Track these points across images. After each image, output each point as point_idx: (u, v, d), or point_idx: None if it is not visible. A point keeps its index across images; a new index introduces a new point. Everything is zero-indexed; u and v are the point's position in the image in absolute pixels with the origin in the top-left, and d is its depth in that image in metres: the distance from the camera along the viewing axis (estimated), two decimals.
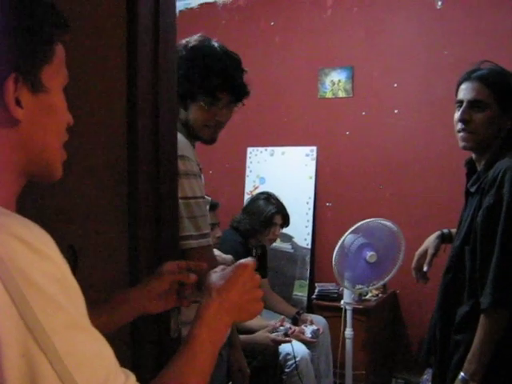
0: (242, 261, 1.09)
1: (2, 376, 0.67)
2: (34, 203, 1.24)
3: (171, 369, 0.91)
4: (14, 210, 0.84)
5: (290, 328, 3.29)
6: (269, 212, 3.64)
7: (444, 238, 2.27)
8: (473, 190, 1.96)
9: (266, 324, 3.23)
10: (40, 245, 0.74)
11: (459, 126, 2.00)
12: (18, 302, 0.69)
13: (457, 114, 2.01)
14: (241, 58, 1.94)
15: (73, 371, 0.71)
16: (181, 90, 1.76)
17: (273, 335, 3.13)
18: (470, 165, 2.09)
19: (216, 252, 2.07)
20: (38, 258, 0.72)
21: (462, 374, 1.84)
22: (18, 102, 0.80)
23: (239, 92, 1.91)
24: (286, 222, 3.76)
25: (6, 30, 0.78)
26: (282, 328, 3.21)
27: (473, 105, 1.97)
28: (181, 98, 1.81)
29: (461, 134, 2.00)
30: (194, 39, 1.90)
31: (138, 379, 0.82)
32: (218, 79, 1.84)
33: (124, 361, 1.43)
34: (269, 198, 3.75)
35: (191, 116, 1.88)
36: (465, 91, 2.01)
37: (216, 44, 1.90)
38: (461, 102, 2.01)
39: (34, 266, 0.71)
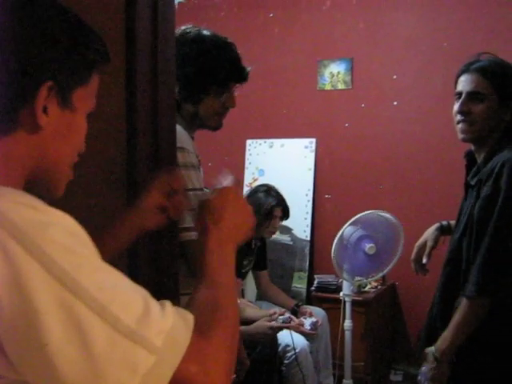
0: (223, 187, 1.14)
1: (43, 330, 0.70)
2: None
3: (196, 297, 0.93)
4: None
5: (290, 317, 3.30)
6: (269, 204, 3.63)
7: (443, 230, 2.28)
8: (473, 182, 1.96)
9: (264, 314, 3.24)
10: (44, 206, 0.78)
11: (458, 117, 2.00)
12: (41, 259, 0.71)
13: (456, 106, 2.01)
14: (232, 41, 1.97)
15: (111, 307, 0.74)
16: (192, 85, 1.83)
17: (271, 323, 3.14)
18: (470, 157, 2.09)
19: None
20: (48, 217, 0.76)
21: (432, 348, 1.90)
22: (44, 110, 0.83)
23: (243, 76, 1.96)
24: (285, 214, 3.76)
25: (56, 40, 0.84)
26: (280, 317, 3.22)
27: (472, 96, 1.97)
28: (191, 95, 1.86)
29: (460, 125, 2.00)
30: (187, 33, 1.90)
31: None
32: (226, 70, 1.88)
33: None
34: (269, 190, 3.74)
35: (202, 108, 1.90)
36: (464, 83, 2.00)
37: (210, 33, 1.93)
38: (460, 94, 2.01)
39: (46, 225, 0.75)
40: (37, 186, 0.90)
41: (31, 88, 0.82)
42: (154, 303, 0.80)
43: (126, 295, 0.78)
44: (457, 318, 1.86)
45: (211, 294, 0.94)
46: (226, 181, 1.15)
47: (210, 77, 1.87)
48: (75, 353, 0.71)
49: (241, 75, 1.94)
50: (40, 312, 0.70)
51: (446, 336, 1.88)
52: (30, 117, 0.83)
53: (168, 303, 0.83)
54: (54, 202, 0.81)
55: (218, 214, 1.07)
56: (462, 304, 1.85)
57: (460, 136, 2.01)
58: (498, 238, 1.81)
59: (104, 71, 0.95)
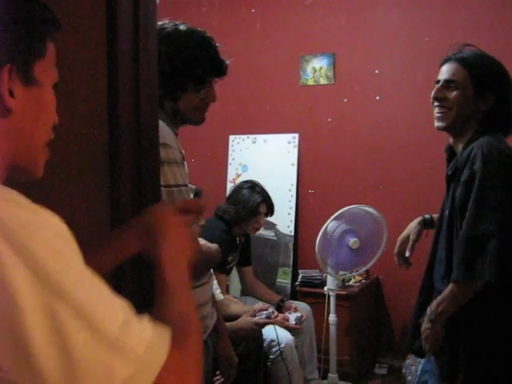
0: (161, 209, 1.13)
1: (25, 330, 0.70)
2: None
3: (161, 311, 0.93)
4: None
5: (273, 312, 3.30)
6: (254, 201, 3.63)
7: (426, 224, 2.29)
8: (450, 172, 2.00)
9: (249, 310, 3.24)
10: (32, 205, 0.77)
11: (434, 104, 2.06)
12: (27, 258, 0.71)
13: (432, 92, 2.07)
14: (211, 35, 1.94)
15: (93, 313, 0.74)
16: (168, 83, 1.78)
17: (255, 318, 3.14)
18: (450, 151, 2.11)
19: (201, 241, 2.06)
20: (36, 216, 0.76)
21: (427, 312, 1.93)
22: (10, 93, 0.83)
23: (222, 70, 1.93)
24: (270, 210, 3.76)
25: (3, 23, 0.82)
26: (264, 312, 3.23)
27: (448, 84, 2.03)
28: (169, 91, 1.83)
29: (436, 112, 2.05)
30: (164, 28, 1.88)
31: None
32: (203, 66, 1.86)
33: None
34: (253, 186, 3.74)
35: (182, 105, 1.88)
36: (443, 71, 2.07)
37: (186, 28, 1.90)
38: (439, 82, 2.06)
39: (33, 224, 0.74)
40: (16, 170, 0.89)
41: None
42: (133, 314, 0.80)
43: (108, 303, 0.78)
44: (447, 295, 1.88)
45: (176, 307, 0.93)
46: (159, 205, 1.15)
47: (186, 73, 1.84)
48: (55, 356, 0.71)
49: (219, 69, 1.92)
50: (24, 313, 0.69)
51: (438, 302, 1.90)
52: None
53: (146, 317, 0.83)
54: (35, 198, 0.80)
55: (162, 228, 1.07)
56: (450, 286, 1.87)
57: (436, 124, 2.05)
58: (475, 221, 1.83)
59: (57, 38, 0.92)
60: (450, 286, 1.88)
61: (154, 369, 0.78)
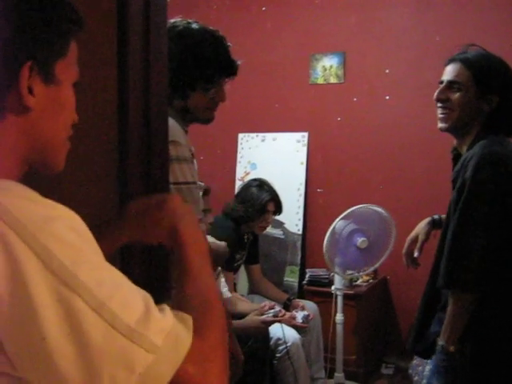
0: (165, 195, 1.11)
1: (40, 324, 0.70)
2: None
3: (183, 292, 0.92)
4: None
5: (280, 311, 3.30)
6: (263, 199, 3.63)
7: (435, 224, 2.28)
8: (453, 177, 1.99)
9: (256, 308, 3.25)
10: (46, 201, 0.78)
11: (437, 105, 2.06)
12: (40, 253, 0.71)
13: (435, 93, 2.06)
14: (223, 34, 1.94)
15: (110, 304, 0.73)
16: (178, 81, 1.77)
17: (262, 317, 3.15)
18: (456, 152, 2.11)
19: (209, 239, 2.07)
20: (49, 211, 0.76)
21: (439, 342, 1.89)
22: (30, 91, 0.83)
23: (232, 70, 1.93)
24: (278, 209, 3.76)
25: (27, 19, 0.82)
26: (271, 311, 3.23)
27: (451, 85, 2.02)
28: (178, 89, 1.82)
29: (438, 113, 2.05)
30: (176, 25, 1.88)
31: None
32: (213, 66, 1.85)
33: None
34: (262, 185, 3.74)
35: (191, 103, 1.88)
36: (447, 72, 2.06)
37: (198, 26, 1.89)
38: (442, 83, 2.05)
39: (47, 219, 0.74)
40: (36, 165, 0.90)
41: (12, 72, 0.81)
42: (153, 305, 0.80)
43: (126, 294, 0.77)
44: (449, 310, 1.87)
45: (200, 294, 0.92)
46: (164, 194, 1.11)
47: (196, 72, 1.84)
48: (71, 348, 0.70)
49: (229, 70, 1.91)
50: (38, 306, 0.70)
51: (445, 328, 1.89)
52: (17, 100, 0.82)
53: (166, 306, 0.82)
54: (46, 194, 0.80)
55: (182, 214, 1.03)
56: (449, 297, 1.87)
57: (439, 125, 2.05)
58: (458, 233, 1.84)
59: (80, 37, 0.92)
60: (448, 308, 1.88)
61: (175, 359, 0.78)
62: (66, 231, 0.75)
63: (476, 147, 1.89)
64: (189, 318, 0.82)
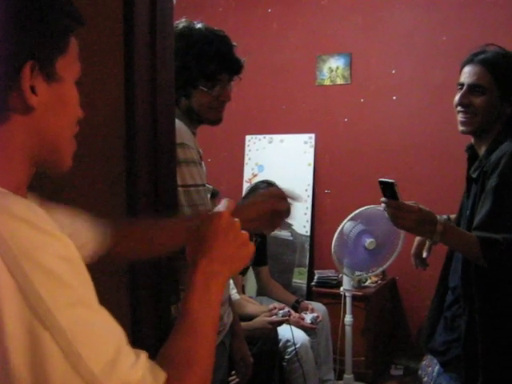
0: (215, 211, 1.00)
1: (5, 352, 0.69)
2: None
3: (172, 344, 0.89)
4: (25, 197, 0.87)
5: (289, 311, 3.30)
6: None
7: None
8: (474, 175, 1.95)
9: (265, 310, 3.25)
10: (44, 224, 0.75)
11: (459, 108, 2.00)
12: (20, 281, 0.70)
13: (457, 97, 2.00)
14: (227, 35, 1.94)
15: (78, 346, 0.72)
16: (180, 79, 1.76)
17: (271, 318, 3.14)
18: (471, 150, 2.08)
19: None
20: (42, 237, 0.74)
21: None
22: (32, 90, 0.82)
23: (235, 68, 1.92)
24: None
25: (25, 18, 0.81)
26: (280, 312, 3.23)
27: (473, 89, 1.95)
28: (181, 87, 1.81)
29: (460, 117, 1.99)
30: (179, 26, 1.89)
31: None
32: (214, 63, 1.85)
33: None
34: (269, 186, 3.73)
35: (195, 102, 1.88)
36: (466, 74, 1.98)
37: (201, 26, 1.90)
38: (462, 85, 1.99)
39: (37, 245, 0.72)
40: (44, 166, 0.90)
41: (13, 72, 0.80)
42: (127, 352, 0.77)
43: (99, 337, 0.75)
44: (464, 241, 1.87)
45: (188, 342, 0.88)
46: (219, 205, 1.02)
47: (196, 68, 1.84)
48: (30, 379, 0.70)
49: (230, 67, 1.90)
50: (7, 334, 0.69)
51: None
52: (20, 100, 0.81)
53: (144, 355, 0.80)
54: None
55: (208, 243, 0.96)
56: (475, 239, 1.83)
57: (460, 128, 2.00)
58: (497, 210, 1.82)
59: (80, 32, 0.91)
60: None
61: None
62: (56, 261, 0.73)
63: (506, 146, 1.86)
64: (162, 375, 0.81)
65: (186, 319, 0.91)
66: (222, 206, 1.01)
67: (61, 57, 0.86)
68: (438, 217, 1.94)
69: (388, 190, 1.90)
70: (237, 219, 1.00)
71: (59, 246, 0.75)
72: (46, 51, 0.84)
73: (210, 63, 1.85)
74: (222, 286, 0.96)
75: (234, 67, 1.91)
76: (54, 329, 0.71)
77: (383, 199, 1.93)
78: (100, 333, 0.76)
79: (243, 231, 1.00)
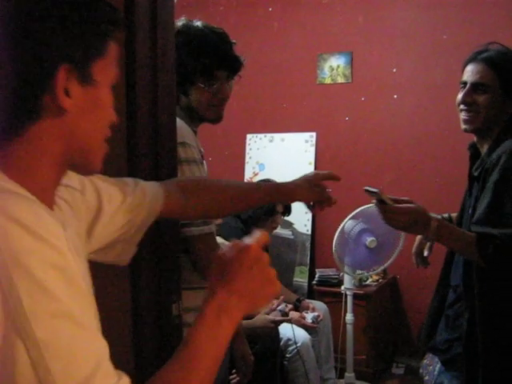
0: (243, 243, 0.93)
1: None
2: None
3: (165, 375, 0.85)
4: (52, 198, 0.88)
5: (286, 306, 3.30)
6: None
7: None
8: (476, 173, 1.95)
9: (265, 308, 3.24)
10: (43, 231, 0.73)
11: (461, 107, 1.99)
12: (5, 286, 0.69)
13: (460, 96, 1.99)
14: (226, 32, 1.93)
15: (48, 360, 0.69)
16: (177, 75, 1.76)
17: (271, 316, 3.14)
18: (474, 149, 2.08)
19: (219, 240, 2.07)
20: (36, 243, 0.72)
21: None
22: (66, 92, 0.81)
23: (234, 66, 1.90)
24: (287, 210, 3.76)
25: (64, 20, 0.81)
26: (279, 308, 3.24)
27: (476, 87, 1.94)
28: (179, 84, 1.81)
29: (463, 116, 1.98)
30: (178, 24, 1.88)
31: (140, 368, 0.81)
32: (211, 59, 1.84)
33: (124, 345, 1.43)
34: None
35: (193, 100, 1.87)
36: (469, 73, 1.97)
37: (200, 24, 1.90)
38: (465, 84, 1.99)
39: (28, 250, 0.71)
40: (74, 166, 0.90)
41: (48, 73, 0.80)
42: (106, 373, 0.74)
43: (75, 354, 0.72)
44: (461, 238, 1.86)
45: (183, 377, 0.85)
46: (251, 238, 0.94)
47: (192, 64, 1.83)
48: None
49: (229, 64, 1.89)
50: None
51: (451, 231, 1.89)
52: (53, 102, 0.81)
53: (126, 378, 0.78)
54: None
55: (231, 274, 0.89)
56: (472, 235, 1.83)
57: (463, 126, 1.99)
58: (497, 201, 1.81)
59: (120, 37, 0.90)
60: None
61: None
62: (44, 269, 0.71)
63: (507, 143, 1.85)
64: None
65: (187, 350, 0.87)
66: (254, 237, 0.94)
67: (97, 61, 0.85)
68: (433, 215, 1.93)
69: (376, 196, 1.90)
70: (266, 254, 0.94)
71: (52, 254, 0.73)
72: (83, 55, 0.83)
73: (206, 58, 1.83)
74: (236, 321, 0.90)
75: (231, 64, 1.89)
76: (29, 339, 0.69)
77: (374, 202, 1.93)
78: (78, 349, 0.72)
79: (271, 268, 0.94)
